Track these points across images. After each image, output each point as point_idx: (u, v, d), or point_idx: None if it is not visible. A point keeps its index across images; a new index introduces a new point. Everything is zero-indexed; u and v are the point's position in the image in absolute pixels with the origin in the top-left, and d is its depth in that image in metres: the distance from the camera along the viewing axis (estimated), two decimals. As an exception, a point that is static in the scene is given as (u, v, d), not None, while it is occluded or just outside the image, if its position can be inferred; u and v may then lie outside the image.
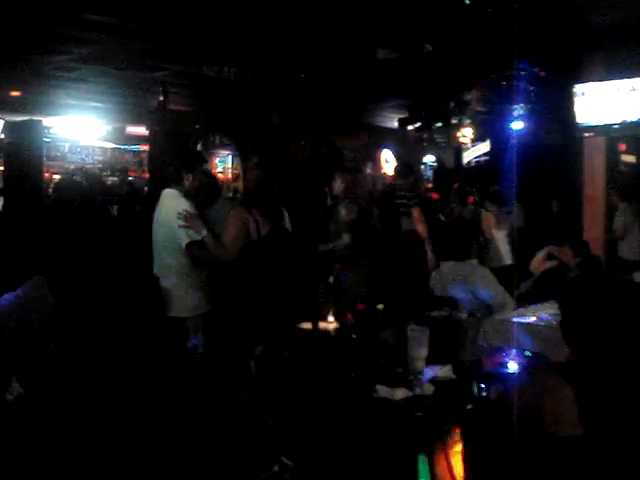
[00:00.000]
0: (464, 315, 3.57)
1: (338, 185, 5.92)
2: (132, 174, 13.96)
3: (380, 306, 3.62)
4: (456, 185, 10.79)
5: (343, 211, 5.80)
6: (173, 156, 5.21)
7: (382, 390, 2.84)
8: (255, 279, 4.43)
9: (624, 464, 1.70)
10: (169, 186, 4.72)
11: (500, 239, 7.65)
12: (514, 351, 3.08)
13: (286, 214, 4.83)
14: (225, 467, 2.85)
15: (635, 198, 7.92)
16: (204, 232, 4.41)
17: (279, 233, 4.60)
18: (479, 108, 11.09)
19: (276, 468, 2.07)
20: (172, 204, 4.56)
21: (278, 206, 4.72)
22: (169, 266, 4.55)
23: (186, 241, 4.42)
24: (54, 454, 2.69)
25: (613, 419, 1.75)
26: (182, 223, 4.40)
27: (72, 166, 13.45)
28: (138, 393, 3.52)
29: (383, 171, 15.71)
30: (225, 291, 4.64)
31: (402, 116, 12.61)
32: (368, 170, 14.99)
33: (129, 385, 3.58)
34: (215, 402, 3.42)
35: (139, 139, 13.80)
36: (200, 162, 4.96)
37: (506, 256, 7.52)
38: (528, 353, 3.08)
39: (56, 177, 12.59)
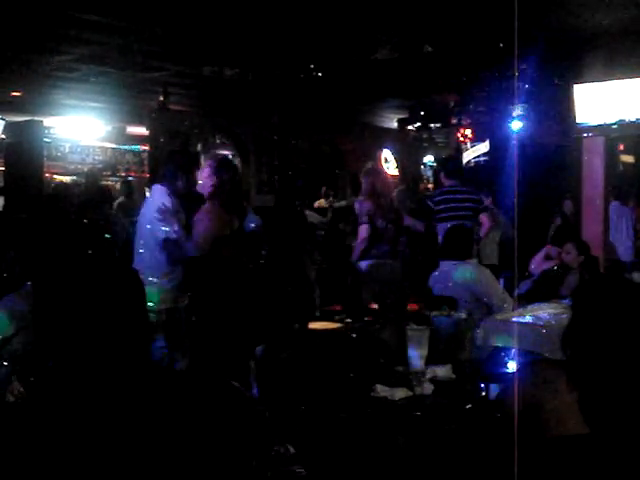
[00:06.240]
0: (464, 315, 3.58)
1: (365, 184, 5.94)
2: (132, 174, 13.95)
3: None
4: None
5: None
6: (169, 156, 5.29)
7: (382, 390, 2.84)
8: (229, 274, 4.44)
9: (631, 464, 1.70)
10: (161, 183, 4.78)
11: (490, 239, 7.56)
12: (514, 351, 3.08)
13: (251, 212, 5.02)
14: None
15: (627, 196, 7.97)
16: (175, 227, 4.46)
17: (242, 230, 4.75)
18: (479, 108, 11.09)
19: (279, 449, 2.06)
20: (155, 199, 4.64)
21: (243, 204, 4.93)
22: (144, 260, 4.57)
23: (162, 237, 4.49)
24: (55, 454, 2.69)
25: (619, 419, 1.75)
26: (160, 217, 4.50)
27: (72, 166, 13.44)
28: (131, 394, 3.50)
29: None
30: (199, 287, 4.62)
31: (402, 116, 12.61)
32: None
33: (123, 386, 3.57)
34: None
35: (139, 139, 13.78)
36: (196, 164, 5.01)
37: (491, 256, 7.44)
38: (528, 353, 3.09)
39: (57, 177, 12.60)
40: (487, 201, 7.65)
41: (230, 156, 15.27)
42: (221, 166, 4.92)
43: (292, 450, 1.97)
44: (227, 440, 1.51)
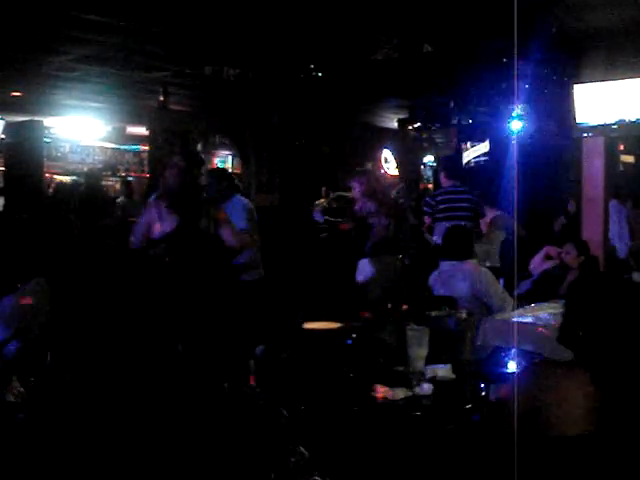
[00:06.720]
0: (464, 315, 3.57)
1: (362, 185, 5.88)
2: (132, 174, 13.95)
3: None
4: None
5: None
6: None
7: (382, 390, 2.84)
8: (152, 276, 4.34)
9: (632, 463, 1.70)
10: None
11: (493, 240, 7.51)
12: (514, 351, 3.08)
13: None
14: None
15: (627, 196, 8.01)
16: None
17: (187, 231, 4.34)
18: (479, 108, 11.09)
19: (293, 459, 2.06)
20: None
21: (199, 205, 4.46)
22: None
23: None
24: (55, 455, 2.70)
25: (623, 418, 1.75)
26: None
27: (72, 166, 13.44)
28: (137, 391, 3.51)
29: (383, 171, 15.72)
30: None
31: (402, 116, 12.61)
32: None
33: (129, 383, 3.58)
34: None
35: (139, 139, 13.79)
36: (198, 165, 4.94)
37: (492, 259, 7.39)
38: (528, 353, 3.09)
39: (57, 177, 12.60)
40: (492, 212, 7.42)
41: (230, 156, 15.31)
42: (169, 165, 4.64)
43: (307, 455, 1.96)
44: (247, 454, 1.51)
